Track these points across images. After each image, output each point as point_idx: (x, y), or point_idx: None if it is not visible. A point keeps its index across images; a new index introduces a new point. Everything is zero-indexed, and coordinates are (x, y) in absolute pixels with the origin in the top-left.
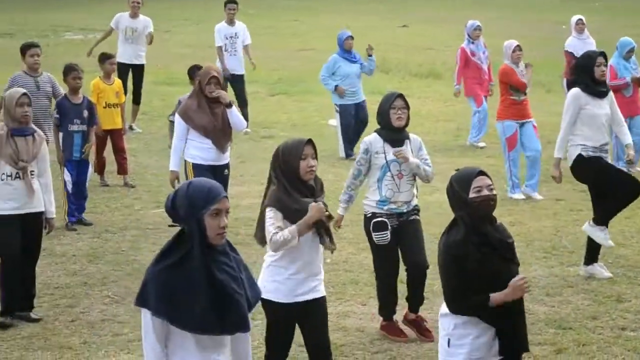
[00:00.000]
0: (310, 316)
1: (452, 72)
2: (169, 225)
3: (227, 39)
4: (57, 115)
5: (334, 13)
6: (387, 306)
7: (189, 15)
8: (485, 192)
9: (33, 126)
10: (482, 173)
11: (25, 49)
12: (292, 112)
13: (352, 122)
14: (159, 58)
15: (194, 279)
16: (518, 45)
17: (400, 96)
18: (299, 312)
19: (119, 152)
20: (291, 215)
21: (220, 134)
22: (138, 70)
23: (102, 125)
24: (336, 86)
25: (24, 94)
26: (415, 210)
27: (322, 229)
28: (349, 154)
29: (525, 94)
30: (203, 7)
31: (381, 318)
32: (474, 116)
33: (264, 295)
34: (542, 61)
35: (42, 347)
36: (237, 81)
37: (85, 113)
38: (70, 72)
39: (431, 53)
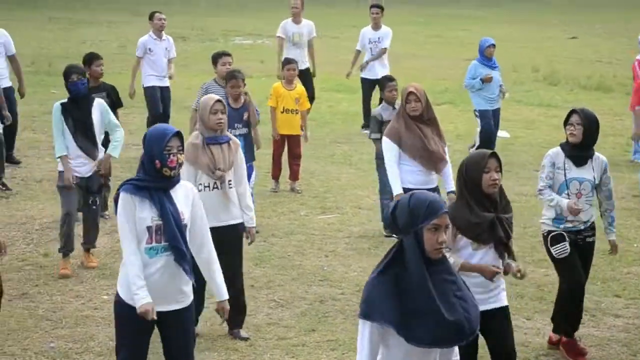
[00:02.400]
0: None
1: (622, 85)
2: (385, 236)
3: (370, 42)
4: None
5: (503, 23)
6: (571, 322)
7: (357, 22)
8: None
9: (228, 134)
10: None
11: (217, 58)
12: (458, 122)
13: (492, 126)
14: (326, 64)
15: (413, 291)
16: None
17: (575, 111)
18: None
19: (294, 158)
20: (469, 228)
21: (431, 156)
22: (304, 75)
23: (279, 129)
24: (481, 79)
25: (218, 100)
26: (593, 228)
27: (504, 250)
28: None
29: None
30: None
31: (551, 333)
32: None
33: None
34: None
35: (209, 348)
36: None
37: (245, 115)
38: (229, 79)
39: (600, 66)
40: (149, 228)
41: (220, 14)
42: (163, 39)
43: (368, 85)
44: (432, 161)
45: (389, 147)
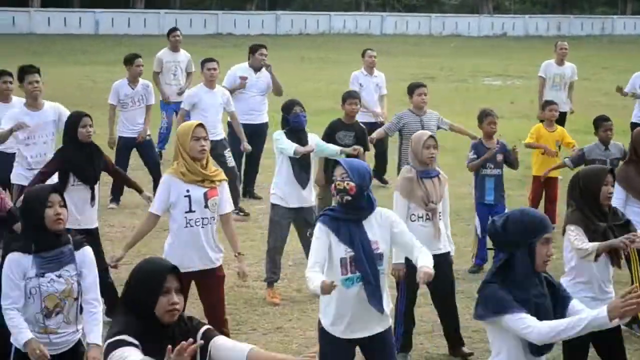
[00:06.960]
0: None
1: None
2: (488, 249)
3: (637, 88)
4: (474, 156)
5: None
6: None
7: (609, 64)
8: None
9: (437, 168)
10: None
11: (414, 88)
12: None
13: None
14: (577, 106)
15: (520, 301)
16: None
17: None
18: None
19: (551, 201)
20: (589, 235)
21: None
22: (562, 117)
23: (537, 172)
24: None
25: (431, 136)
26: None
27: (615, 256)
28: None
29: None
30: (622, 56)
31: None
32: None
33: None
34: None
35: None
36: None
37: (499, 157)
38: (485, 117)
39: None
40: (342, 259)
41: (470, 54)
42: (374, 75)
43: None
44: None
45: (618, 191)
